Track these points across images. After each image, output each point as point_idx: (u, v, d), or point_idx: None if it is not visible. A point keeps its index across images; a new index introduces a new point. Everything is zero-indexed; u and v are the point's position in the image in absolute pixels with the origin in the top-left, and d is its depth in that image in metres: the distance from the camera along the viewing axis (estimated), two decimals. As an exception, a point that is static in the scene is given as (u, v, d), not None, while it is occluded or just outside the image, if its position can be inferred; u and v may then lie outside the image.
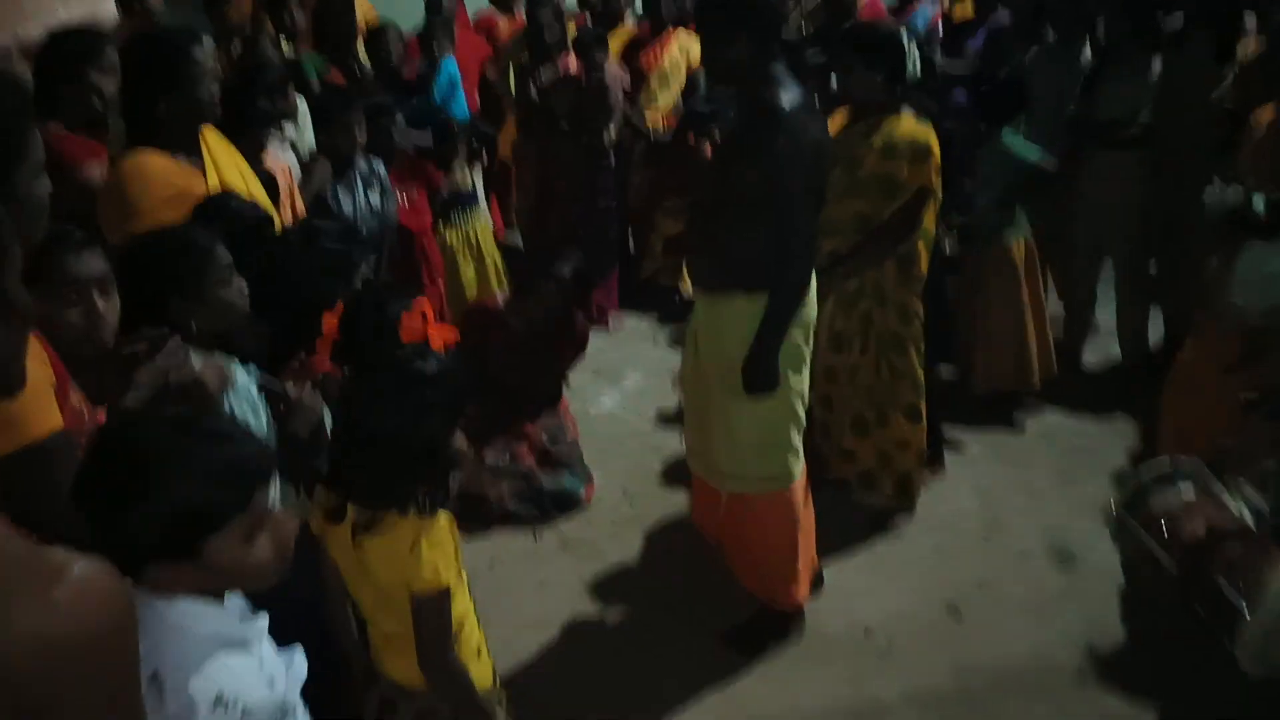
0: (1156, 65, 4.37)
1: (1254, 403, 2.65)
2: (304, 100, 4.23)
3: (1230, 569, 2.30)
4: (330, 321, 2.13)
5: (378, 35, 5.19)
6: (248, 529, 1.33)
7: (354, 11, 5.20)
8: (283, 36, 5.04)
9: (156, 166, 2.55)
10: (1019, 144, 4.06)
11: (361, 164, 4.01)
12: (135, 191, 2.49)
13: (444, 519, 1.88)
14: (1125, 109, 4.41)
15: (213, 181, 2.67)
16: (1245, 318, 3.10)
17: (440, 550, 1.83)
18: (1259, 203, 3.10)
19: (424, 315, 2.05)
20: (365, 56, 5.22)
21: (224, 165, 2.78)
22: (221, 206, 2.42)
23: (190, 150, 2.66)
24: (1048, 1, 4.94)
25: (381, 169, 4.10)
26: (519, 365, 3.98)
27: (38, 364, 1.59)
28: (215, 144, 2.80)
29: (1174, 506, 2.63)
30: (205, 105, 2.64)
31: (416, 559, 1.80)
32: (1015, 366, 4.27)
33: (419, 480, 1.84)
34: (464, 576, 1.99)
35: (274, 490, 1.44)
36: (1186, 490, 2.69)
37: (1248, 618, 2.17)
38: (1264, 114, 3.51)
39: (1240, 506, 2.46)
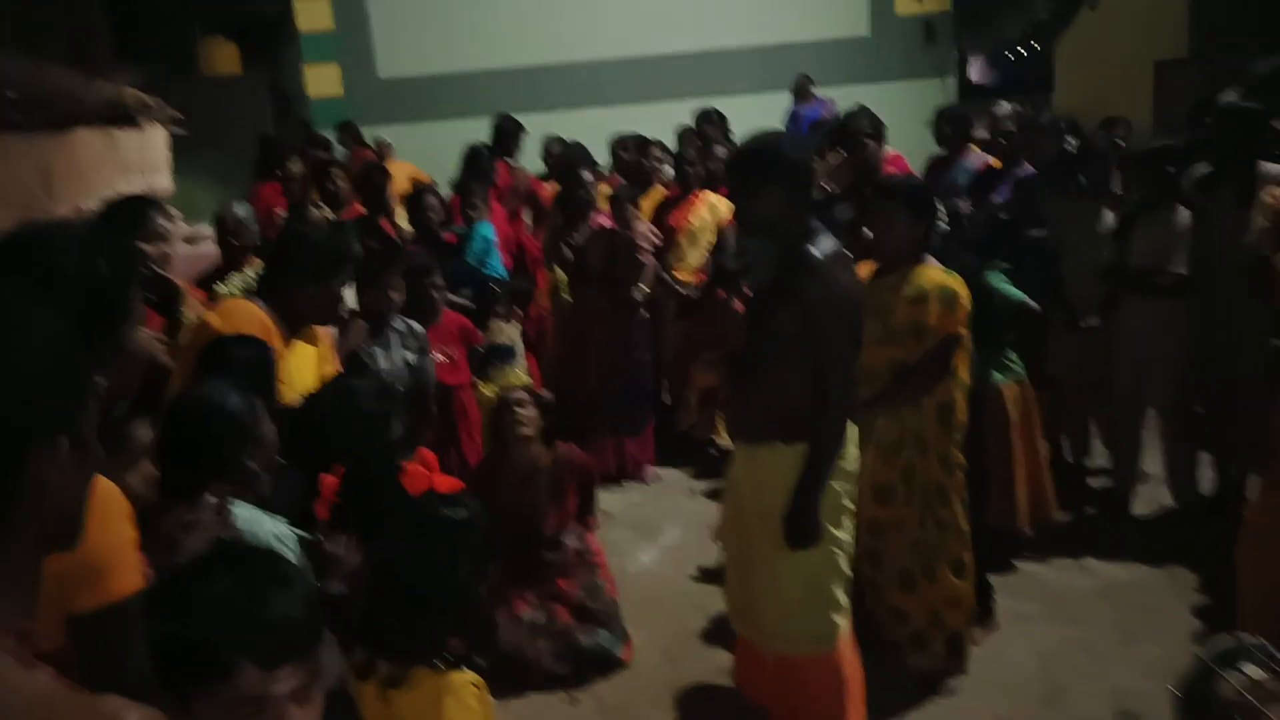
0: (1183, 213, 4.40)
1: None
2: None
3: None
4: (329, 482, 2.12)
5: (418, 198, 5.38)
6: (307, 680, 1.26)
7: (389, 179, 5.46)
8: (325, 206, 5.27)
9: (254, 313, 2.70)
10: (1002, 285, 4.05)
11: (399, 323, 4.08)
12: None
13: (473, 679, 1.82)
14: (1157, 257, 4.42)
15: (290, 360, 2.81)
16: None
17: (465, 710, 1.76)
18: None
19: (427, 464, 2.04)
20: (407, 217, 5.41)
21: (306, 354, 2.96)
22: (227, 349, 2.46)
23: (293, 331, 2.86)
24: (1075, 153, 5.04)
25: (419, 328, 4.16)
26: (519, 507, 3.87)
27: (124, 521, 1.59)
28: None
29: (1248, 695, 2.44)
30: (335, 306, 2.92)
31: (441, 716, 1.73)
32: (1031, 504, 4.19)
33: (449, 632, 1.79)
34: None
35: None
36: (1254, 672, 2.50)
37: None
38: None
39: None
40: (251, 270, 4.00)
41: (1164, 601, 3.97)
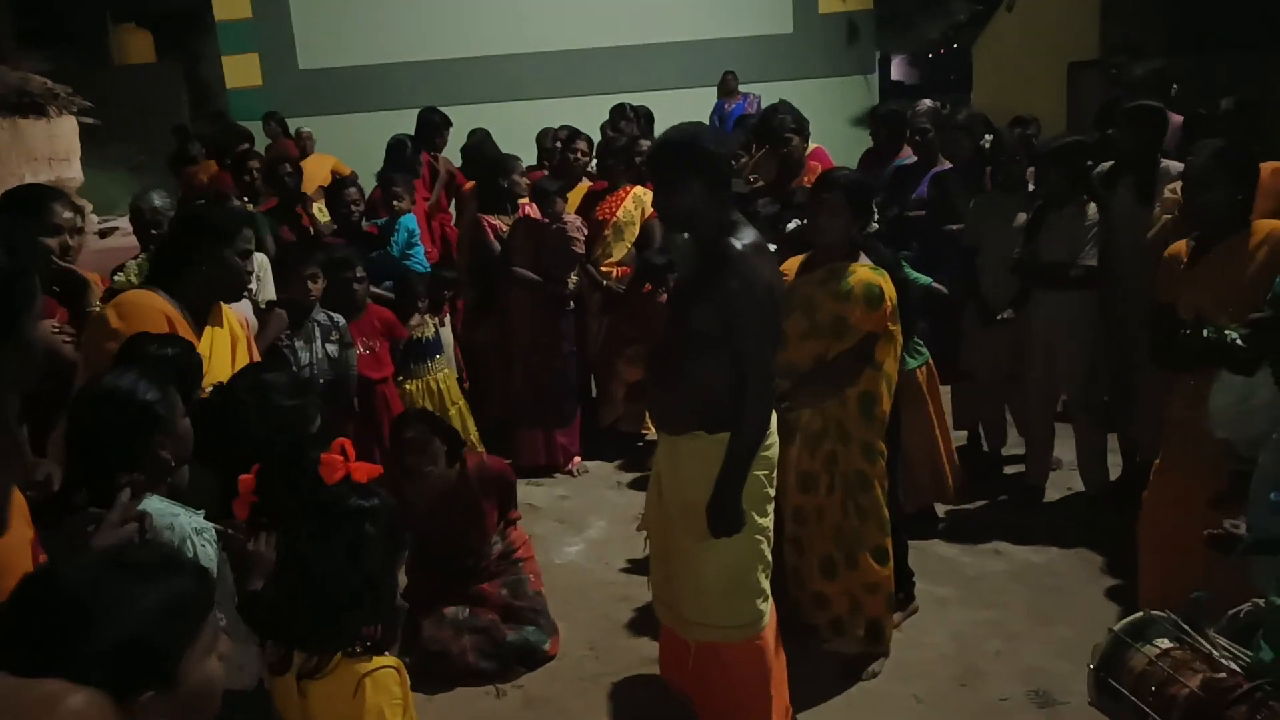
0: (1091, 208, 4.55)
1: (1219, 539, 2.62)
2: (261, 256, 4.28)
3: None
4: (246, 481, 2.09)
5: (337, 189, 5.31)
6: (207, 648, 1.27)
7: (301, 172, 5.41)
8: (245, 198, 5.18)
9: (153, 305, 2.66)
10: (910, 271, 4.15)
11: (320, 316, 4.02)
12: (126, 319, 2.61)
13: (391, 663, 1.81)
14: (1066, 251, 4.55)
15: (203, 348, 2.74)
16: (1229, 451, 3.09)
17: (386, 695, 1.75)
18: (1234, 335, 3.13)
19: (345, 452, 2.01)
20: (327, 210, 5.35)
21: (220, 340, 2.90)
22: (144, 345, 2.41)
23: (199, 316, 2.82)
24: (989, 151, 5.17)
25: (341, 320, 4.11)
26: (436, 534, 3.78)
27: (21, 520, 1.54)
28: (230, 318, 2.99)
29: (1159, 664, 2.54)
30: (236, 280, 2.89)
31: (360, 703, 1.72)
32: (933, 482, 4.39)
33: (362, 621, 1.78)
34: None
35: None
36: (1165, 645, 2.60)
37: None
38: (1179, 248, 3.59)
39: (1226, 661, 2.39)
40: (144, 256, 3.95)
41: (1074, 583, 4.11)
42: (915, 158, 5.77)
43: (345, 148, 8.41)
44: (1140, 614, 2.55)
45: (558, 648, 3.80)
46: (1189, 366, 3.29)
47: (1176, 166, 4.57)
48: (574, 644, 3.85)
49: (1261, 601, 2.34)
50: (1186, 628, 2.42)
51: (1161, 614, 2.50)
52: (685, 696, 3.13)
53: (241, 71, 11.74)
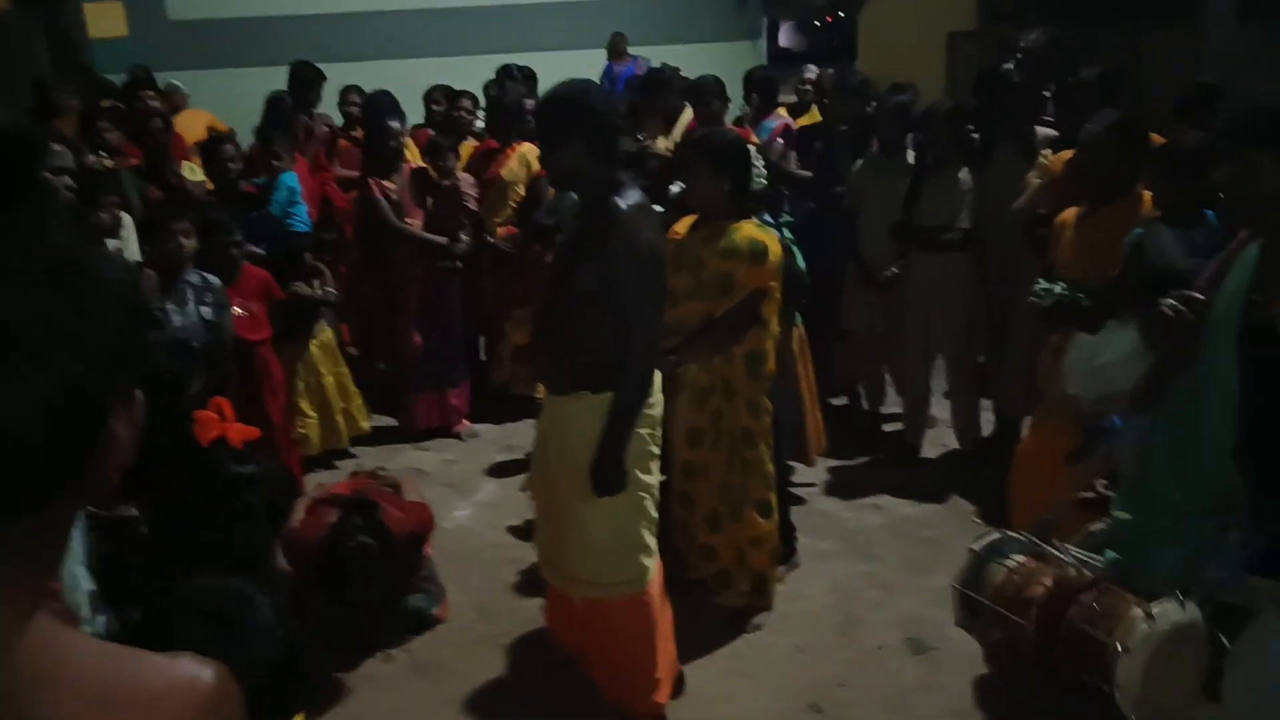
0: (965, 174, 4.69)
1: (1091, 501, 2.78)
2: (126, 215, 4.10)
3: (1090, 614, 2.35)
4: None
5: (213, 147, 5.11)
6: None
7: (172, 128, 5.18)
8: (102, 153, 4.94)
9: None
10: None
11: (194, 277, 3.88)
12: None
13: None
14: (943, 215, 4.69)
15: None
16: (1080, 407, 3.27)
17: None
18: (1083, 298, 3.30)
19: (221, 412, 1.95)
20: (201, 169, 5.14)
21: None
22: None
23: None
24: (875, 116, 5.27)
25: (216, 281, 3.97)
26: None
27: None
28: None
29: (1016, 574, 2.69)
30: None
31: None
32: (803, 444, 4.44)
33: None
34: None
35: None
36: (1021, 559, 2.77)
37: (1121, 655, 2.21)
38: (1069, 215, 3.79)
39: (1074, 564, 2.55)
40: None
41: (948, 535, 4.27)
42: (784, 122, 5.88)
43: (221, 104, 8.07)
44: (997, 534, 2.69)
45: (447, 612, 3.79)
46: (1045, 324, 3.46)
47: (1048, 133, 4.76)
48: (463, 607, 3.84)
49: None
50: (1039, 541, 2.57)
51: (1016, 534, 2.66)
52: (574, 654, 3.16)
53: (105, 21, 11.12)
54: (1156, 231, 3.35)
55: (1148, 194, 3.58)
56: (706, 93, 5.54)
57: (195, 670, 0.86)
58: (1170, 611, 2.16)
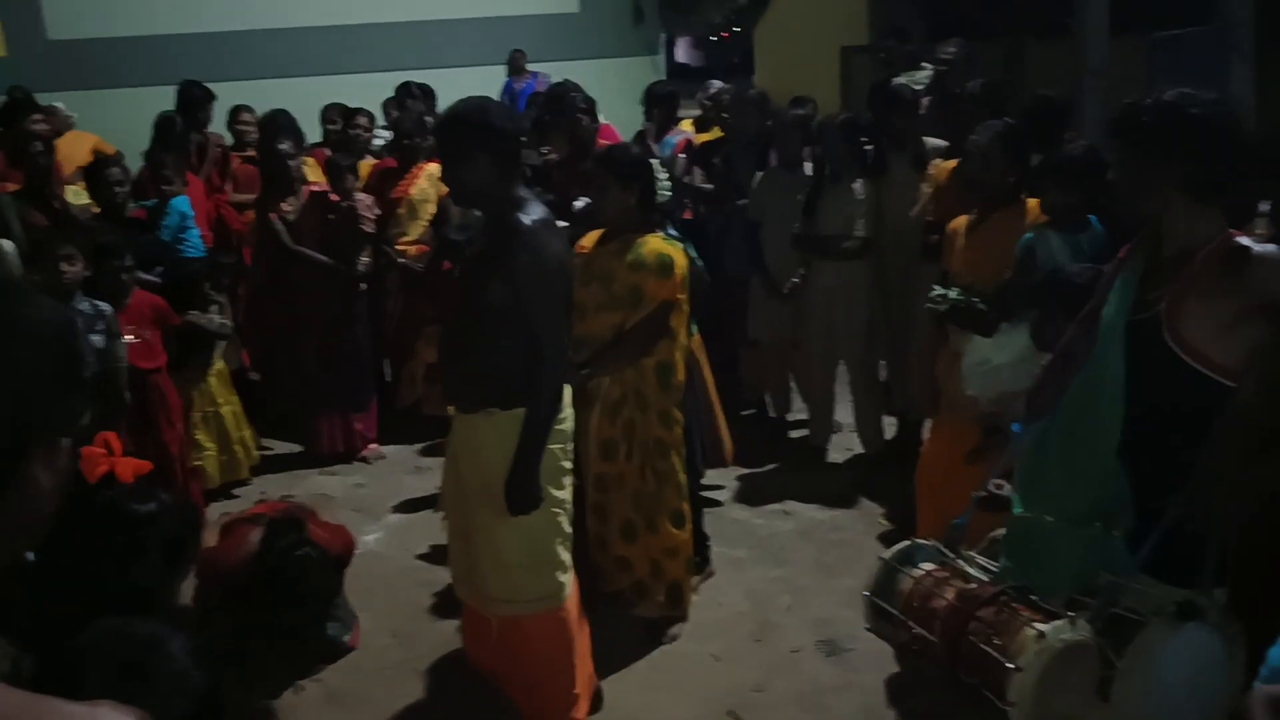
0: (859, 185, 4.82)
1: (988, 499, 2.86)
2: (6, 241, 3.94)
3: (987, 630, 2.43)
4: None
5: (98, 170, 4.94)
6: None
7: (53, 152, 5.01)
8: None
9: None
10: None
11: (84, 304, 3.75)
12: None
13: None
14: (841, 225, 4.81)
15: None
16: (978, 408, 3.38)
17: None
18: (977, 302, 3.42)
19: (109, 447, 1.88)
20: (87, 193, 4.96)
21: None
22: None
23: None
24: (774, 129, 5.37)
25: (107, 308, 3.84)
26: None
27: None
28: None
29: (923, 584, 2.76)
30: None
31: None
32: (714, 449, 4.39)
33: None
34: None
35: None
36: (928, 567, 2.84)
37: (1014, 673, 2.28)
38: (960, 222, 3.92)
39: (978, 574, 2.63)
40: None
41: (857, 537, 4.37)
42: (685, 136, 5.96)
43: (105, 126, 7.79)
44: (908, 542, 2.76)
45: (358, 639, 3.71)
46: (940, 327, 3.58)
47: (936, 144, 4.92)
48: (376, 633, 3.77)
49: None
50: (946, 551, 2.65)
51: (926, 542, 2.73)
52: (491, 674, 3.13)
53: (-20, 40, 10.67)
54: (1045, 237, 3.49)
55: (1033, 201, 3.73)
56: (572, 106, 5.57)
57: (115, 718, 0.83)
58: (1061, 629, 2.24)
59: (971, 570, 2.57)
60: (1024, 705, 2.24)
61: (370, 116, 6.21)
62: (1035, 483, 2.53)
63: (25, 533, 0.82)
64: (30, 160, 4.95)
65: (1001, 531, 2.63)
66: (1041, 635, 2.23)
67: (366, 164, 5.95)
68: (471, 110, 2.76)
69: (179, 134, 5.98)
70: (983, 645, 2.42)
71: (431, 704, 3.40)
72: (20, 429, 0.77)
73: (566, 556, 2.92)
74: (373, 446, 5.45)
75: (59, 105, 8.68)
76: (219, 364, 4.94)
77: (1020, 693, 2.25)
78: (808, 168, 5.08)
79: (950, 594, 2.54)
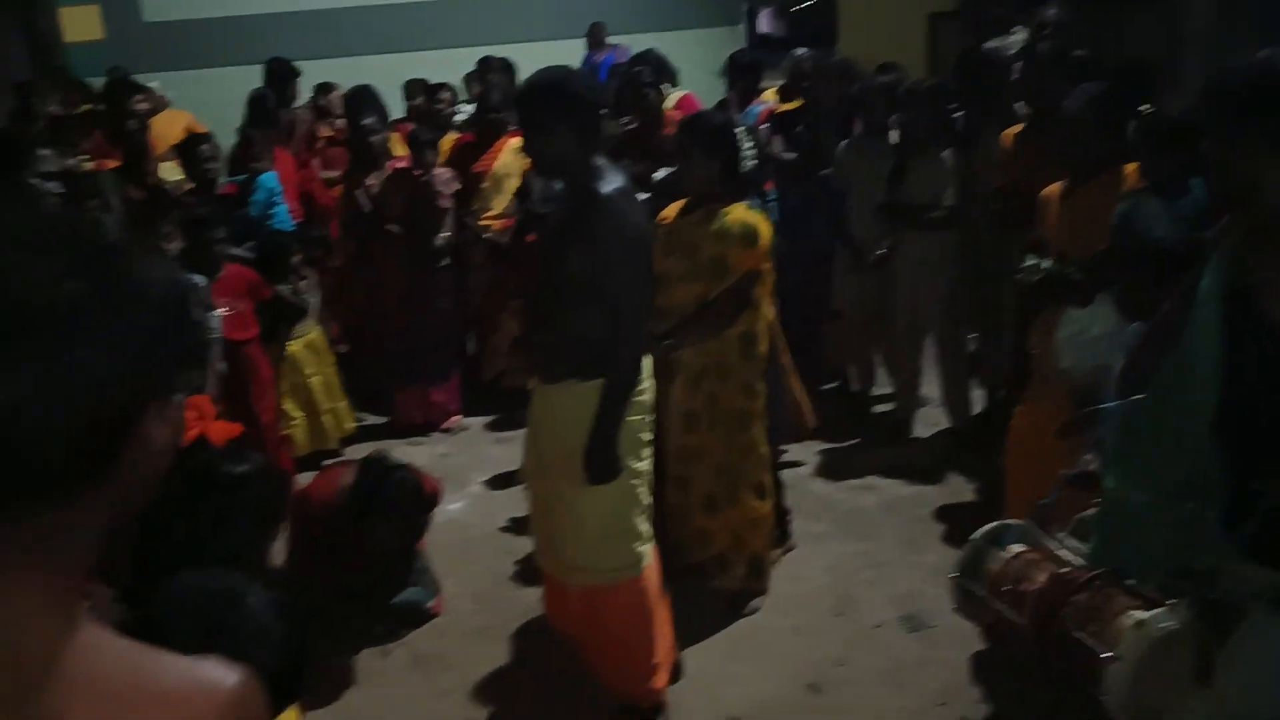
0: (948, 154, 4.69)
1: (1080, 476, 2.78)
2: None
3: (1081, 616, 2.36)
4: None
5: (190, 147, 5.07)
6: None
7: (148, 130, 5.15)
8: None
9: None
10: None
11: (178, 277, 3.86)
12: None
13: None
14: (929, 194, 4.69)
15: None
16: (1073, 381, 3.27)
17: None
18: (1073, 271, 3.30)
19: (200, 412, 1.92)
20: (182, 169, 5.11)
21: None
22: None
23: None
24: (859, 96, 5.26)
25: (200, 281, 3.94)
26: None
27: None
28: None
29: (1013, 565, 2.70)
30: None
31: None
32: (795, 418, 4.31)
33: None
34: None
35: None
36: (1019, 549, 2.77)
37: (1110, 662, 2.22)
38: (1053, 190, 3.79)
39: (1070, 556, 2.56)
40: None
41: (941, 513, 4.29)
42: (768, 106, 5.86)
43: (198, 105, 8.01)
44: (996, 523, 2.70)
45: (442, 606, 3.78)
46: (1036, 299, 3.46)
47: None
48: (460, 599, 3.84)
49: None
50: (1036, 530, 2.58)
51: (1016, 522, 2.66)
52: (572, 642, 3.16)
53: (81, 24, 11.02)
54: (1143, 203, 3.35)
55: (1130, 166, 3.58)
56: (638, 81, 5.55)
57: (220, 673, 0.85)
58: (1159, 617, 2.16)
59: (1062, 553, 2.50)
60: (1120, 694, 2.18)
61: (453, 92, 6.25)
62: (1126, 460, 2.43)
63: (142, 487, 0.84)
64: (128, 138, 5.12)
65: (1090, 512, 2.54)
66: (1140, 624, 2.16)
67: (449, 139, 6.00)
68: (552, 80, 2.75)
69: (269, 110, 6.11)
70: (1076, 632, 2.35)
71: (513, 670, 3.46)
72: (137, 385, 0.78)
73: (646, 527, 2.92)
74: (456, 418, 5.53)
75: (154, 85, 8.96)
76: (312, 333, 5.04)
77: (1116, 683, 2.18)
78: (894, 136, 4.97)
79: (1042, 577, 2.47)
